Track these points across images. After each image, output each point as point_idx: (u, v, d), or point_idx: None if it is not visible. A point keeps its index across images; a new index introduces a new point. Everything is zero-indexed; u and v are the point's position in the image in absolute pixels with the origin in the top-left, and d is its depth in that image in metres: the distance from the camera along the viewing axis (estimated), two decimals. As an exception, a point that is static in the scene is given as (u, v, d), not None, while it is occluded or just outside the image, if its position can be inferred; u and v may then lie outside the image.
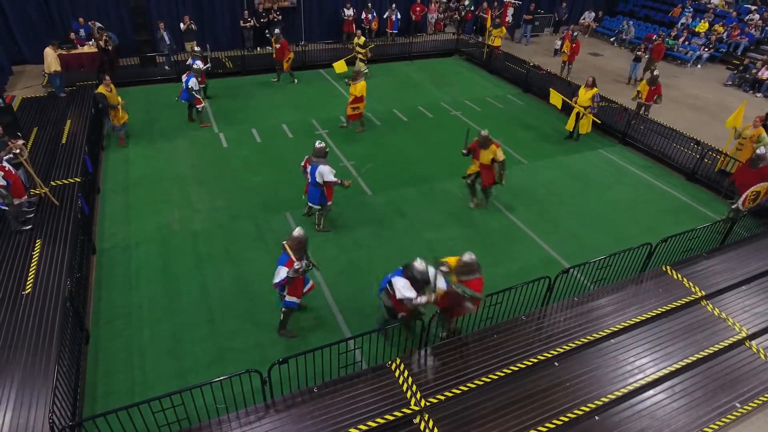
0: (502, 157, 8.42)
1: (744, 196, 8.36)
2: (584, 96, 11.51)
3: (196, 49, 13.82)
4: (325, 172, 7.73)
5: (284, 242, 5.88)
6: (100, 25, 15.11)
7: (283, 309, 6.23)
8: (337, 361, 5.42)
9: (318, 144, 7.91)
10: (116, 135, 11.19)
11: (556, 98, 12.25)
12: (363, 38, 15.56)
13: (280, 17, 17.71)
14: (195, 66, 11.91)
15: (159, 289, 7.17)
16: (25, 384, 5.26)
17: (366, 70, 15.68)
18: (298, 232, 5.91)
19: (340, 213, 9.02)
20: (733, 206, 8.55)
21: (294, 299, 6.10)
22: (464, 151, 8.69)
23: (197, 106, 11.77)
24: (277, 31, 14.68)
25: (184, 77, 11.53)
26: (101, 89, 10.37)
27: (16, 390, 5.19)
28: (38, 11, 14.99)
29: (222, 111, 13.05)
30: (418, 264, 5.43)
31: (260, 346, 6.33)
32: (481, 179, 8.83)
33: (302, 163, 8.12)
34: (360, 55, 15.52)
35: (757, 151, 8.49)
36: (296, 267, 5.71)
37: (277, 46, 14.31)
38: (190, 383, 5.44)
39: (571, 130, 12.07)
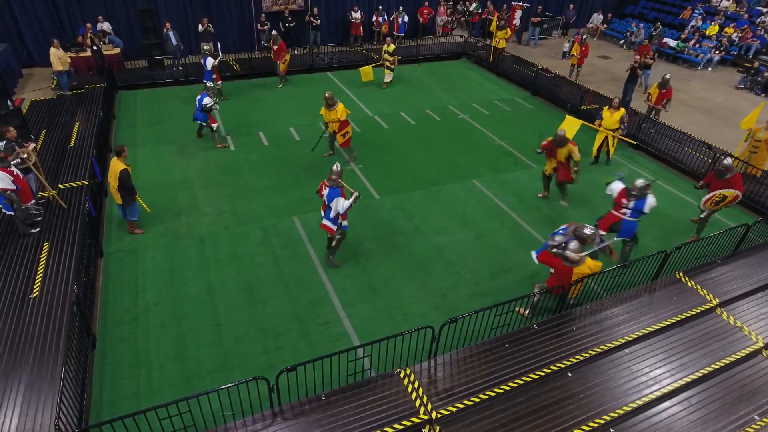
0: (578, 156, 9.08)
1: (710, 195, 8.04)
2: (611, 119, 10.56)
3: (206, 47, 13.78)
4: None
5: (333, 178, 6.85)
6: (107, 26, 15.19)
7: (340, 234, 7.23)
8: (345, 369, 5.34)
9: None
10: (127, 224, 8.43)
11: (572, 125, 9.80)
12: (393, 46, 14.90)
13: (318, 21, 17.59)
14: (207, 64, 12.16)
15: (165, 293, 7.12)
16: (31, 388, 5.20)
17: (389, 80, 15.39)
18: (337, 166, 6.93)
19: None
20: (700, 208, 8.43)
21: (346, 222, 7.18)
22: (538, 150, 9.33)
23: (212, 125, 10.76)
24: (274, 32, 14.68)
25: (197, 97, 10.61)
26: (122, 163, 7.63)
27: (23, 394, 5.14)
28: (48, 15, 15.10)
29: (229, 114, 13.02)
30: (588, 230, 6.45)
31: (266, 352, 6.26)
32: (556, 175, 9.49)
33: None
34: (388, 63, 15.04)
35: (724, 162, 7.94)
36: (357, 195, 6.94)
37: (275, 47, 14.28)
38: (196, 389, 5.41)
39: (596, 156, 11.12)
